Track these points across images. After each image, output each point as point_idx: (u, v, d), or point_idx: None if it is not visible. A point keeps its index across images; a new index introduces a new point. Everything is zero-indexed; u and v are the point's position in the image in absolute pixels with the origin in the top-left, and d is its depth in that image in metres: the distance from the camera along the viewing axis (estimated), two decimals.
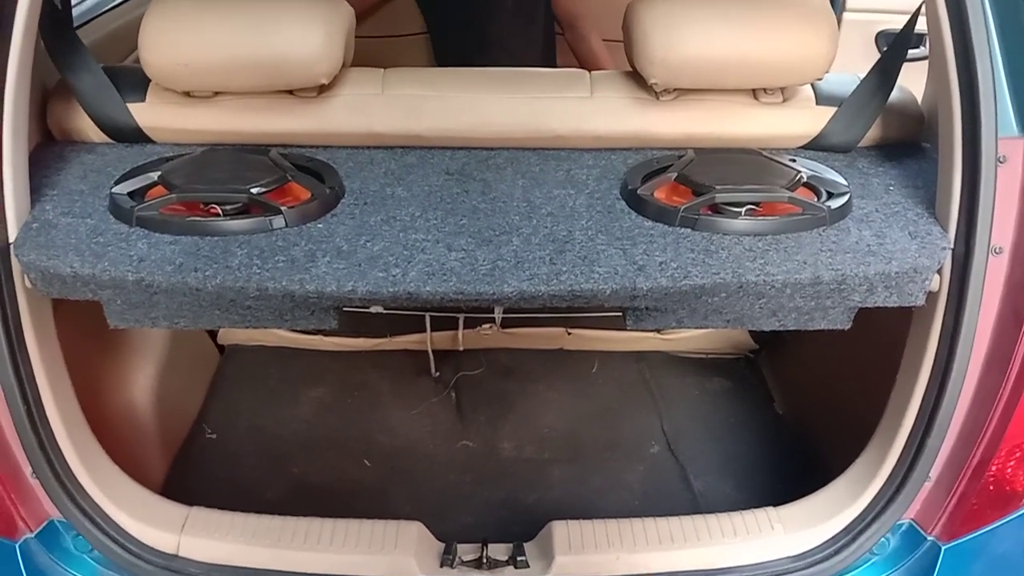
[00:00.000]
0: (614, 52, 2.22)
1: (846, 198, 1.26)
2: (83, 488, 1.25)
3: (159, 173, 1.26)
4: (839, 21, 2.49)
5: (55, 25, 1.31)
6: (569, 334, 2.06)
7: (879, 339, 1.36)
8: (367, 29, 2.31)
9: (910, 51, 1.46)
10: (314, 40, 1.29)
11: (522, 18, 2.18)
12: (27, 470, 1.21)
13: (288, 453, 1.83)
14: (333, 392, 2.00)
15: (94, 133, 1.39)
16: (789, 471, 1.75)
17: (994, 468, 1.21)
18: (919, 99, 1.46)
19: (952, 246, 1.18)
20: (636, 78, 1.40)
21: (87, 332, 1.46)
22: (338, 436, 1.89)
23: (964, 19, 1.10)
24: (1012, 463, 1.21)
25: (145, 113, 1.37)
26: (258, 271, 1.12)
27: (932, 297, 1.22)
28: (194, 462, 1.78)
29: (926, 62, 1.31)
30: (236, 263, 1.14)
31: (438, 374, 2.05)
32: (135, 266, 1.13)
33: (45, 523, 1.25)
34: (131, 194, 1.24)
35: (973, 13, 1.10)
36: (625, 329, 2.01)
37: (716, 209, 1.23)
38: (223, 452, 1.82)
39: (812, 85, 1.43)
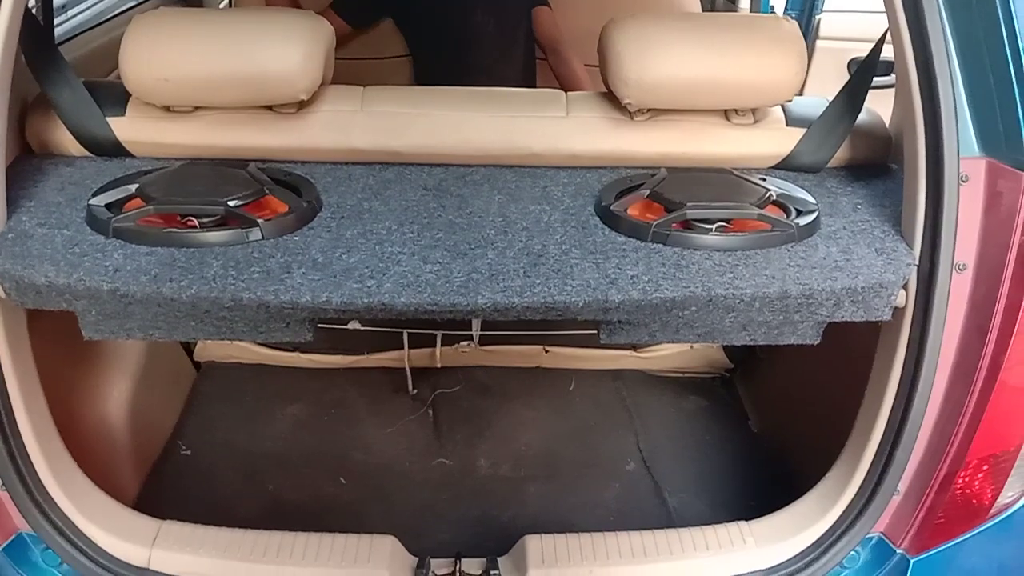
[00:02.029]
0: (595, 77, 2.26)
1: (814, 216, 1.29)
2: (53, 500, 1.24)
3: (137, 185, 1.27)
4: (812, 48, 2.55)
5: (36, 39, 1.32)
6: (547, 352, 2.08)
7: (849, 356, 1.39)
8: (349, 51, 2.34)
9: (881, 79, 1.50)
10: (294, 56, 1.30)
11: (504, 42, 2.20)
12: None
13: (263, 470, 1.82)
14: (309, 409, 2.00)
15: (73, 147, 1.39)
16: (763, 488, 1.76)
17: (960, 481, 1.23)
18: (887, 123, 1.50)
19: (917, 263, 1.21)
20: (611, 98, 1.43)
21: (61, 344, 1.46)
22: (314, 453, 1.89)
23: (927, 45, 1.14)
24: (979, 476, 1.23)
25: (125, 127, 1.38)
26: (233, 282, 1.13)
27: (898, 313, 1.24)
28: (168, 478, 1.76)
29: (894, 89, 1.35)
30: (211, 274, 1.14)
31: (415, 391, 2.05)
32: (110, 276, 1.13)
33: (13, 536, 1.24)
34: (108, 206, 1.24)
35: (935, 40, 1.14)
36: (601, 347, 2.06)
37: (687, 225, 1.26)
38: (197, 468, 1.81)
39: (782, 107, 1.46)
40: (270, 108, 1.38)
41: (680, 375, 2.16)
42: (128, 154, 1.40)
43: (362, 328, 1.92)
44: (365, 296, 1.12)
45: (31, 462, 1.22)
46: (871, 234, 1.27)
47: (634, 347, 2.09)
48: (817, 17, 2.54)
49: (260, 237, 1.21)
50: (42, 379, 1.28)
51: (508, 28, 2.18)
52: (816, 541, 1.29)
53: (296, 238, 1.22)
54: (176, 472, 1.79)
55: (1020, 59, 1.14)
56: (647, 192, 1.31)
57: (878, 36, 1.39)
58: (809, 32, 2.53)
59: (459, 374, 2.08)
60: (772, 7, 2.63)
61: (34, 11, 1.37)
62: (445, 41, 2.09)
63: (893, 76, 1.37)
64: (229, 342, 2.02)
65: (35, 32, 1.33)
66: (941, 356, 1.21)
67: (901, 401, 1.24)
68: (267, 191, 1.28)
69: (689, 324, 1.23)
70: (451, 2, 2.10)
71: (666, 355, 2.11)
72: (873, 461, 1.28)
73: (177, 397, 1.97)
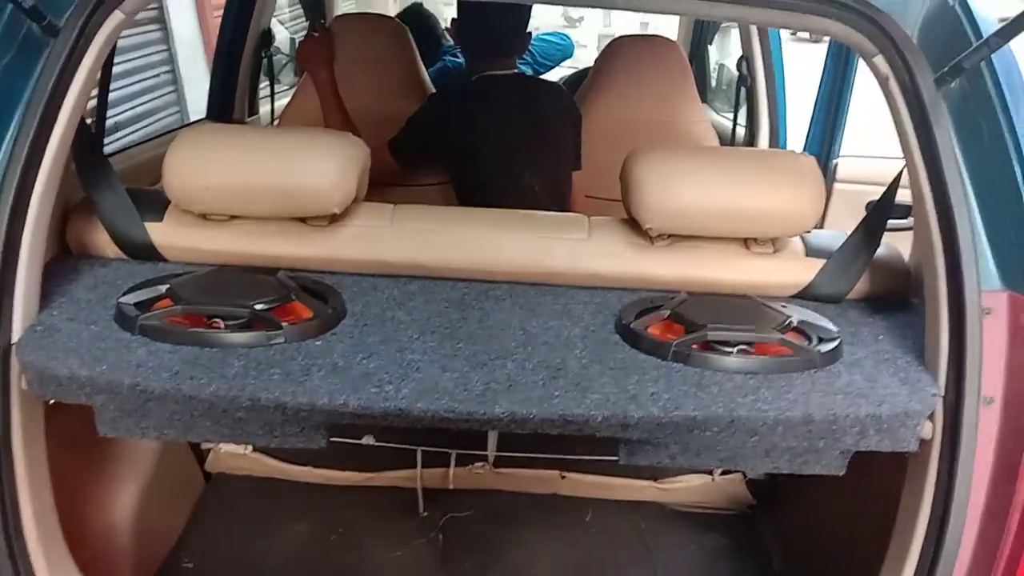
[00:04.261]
0: (607, 210, 2.26)
1: (837, 343, 1.28)
2: None
3: (167, 287, 1.30)
4: (830, 191, 2.61)
5: (85, 145, 1.39)
6: (563, 478, 2.02)
7: (875, 496, 1.34)
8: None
9: (899, 222, 1.53)
10: (330, 172, 1.36)
11: (547, 201, 2.25)
12: None
13: None
14: (316, 527, 1.94)
15: (110, 249, 1.44)
16: None
17: None
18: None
19: (943, 393, 1.19)
20: (632, 224, 1.46)
21: (75, 444, 1.45)
22: (318, 573, 1.82)
23: (943, 182, 1.17)
24: None
25: (161, 232, 1.42)
26: (253, 381, 1.13)
27: (925, 446, 1.21)
28: None
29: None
30: (232, 373, 1.15)
31: (426, 514, 2.00)
32: (132, 371, 1.14)
33: None
34: (137, 304, 1.27)
35: (951, 176, 1.17)
36: (620, 476, 2.01)
37: (708, 347, 1.26)
38: None
39: (802, 238, 1.49)
40: (303, 220, 1.43)
41: (701, 511, 2.08)
42: (162, 259, 1.44)
43: (375, 444, 1.90)
44: (383, 401, 1.12)
45: (31, 564, 1.19)
46: (895, 364, 1.26)
47: (654, 478, 2.04)
48: (835, 161, 2.61)
49: (283, 340, 1.22)
50: (52, 478, 1.27)
51: (551, 187, 2.28)
52: None
53: (318, 343, 1.24)
54: None
55: None
56: (668, 312, 1.32)
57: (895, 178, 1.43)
58: (827, 175, 2.60)
59: (472, 497, 2.03)
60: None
61: (87, 119, 1.45)
62: (491, 196, 2.17)
63: (911, 219, 1.41)
64: (241, 453, 2.00)
65: (86, 139, 1.40)
66: (972, 493, 1.16)
67: (931, 540, 1.19)
68: (293, 297, 1.30)
69: (711, 447, 1.20)
70: (501, 162, 2.21)
71: (687, 488, 2.05)
72: None
73: (184, 506, 1.94)
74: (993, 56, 1.19)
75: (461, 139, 2.20)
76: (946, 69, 1.20)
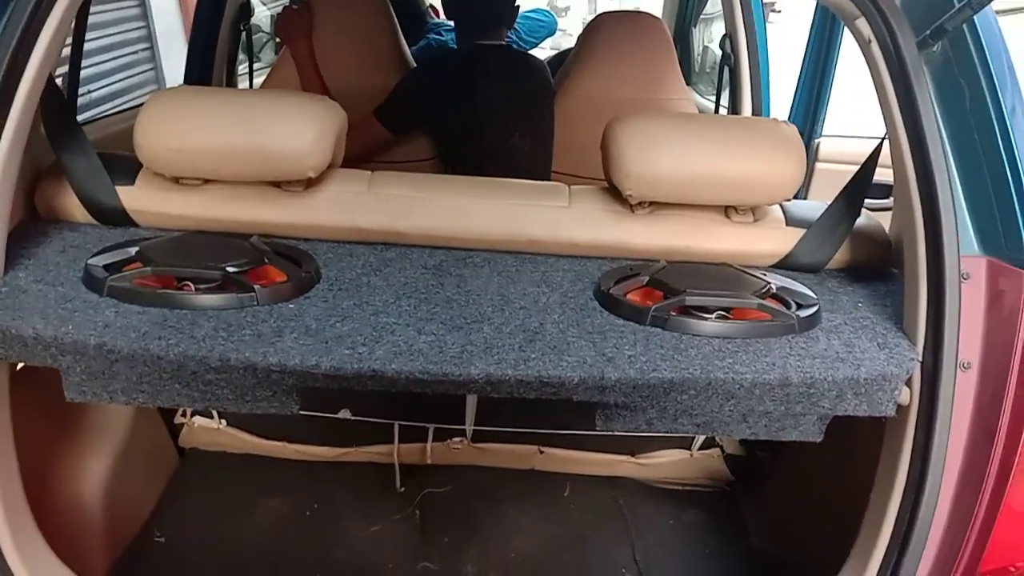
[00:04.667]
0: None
1: (815, 309, 1.28)
2: (13, 574, 1.17)
3: (137, 249, 1.27)
4: (812, 170, 2.62)
5: (57, 109, 1.36)
6: (541, 452, 2.01)
7: (854, 472, 1.34)
8: (389, 156, 2.38)
9: (879, 201, 1.52)
10: (306, 135, 1.33)
11: (536, 162, 2.25)
12: None
13: (239, 564, 1.73)
14: (292, 503, 1.92)
15: (80, 214, 1.40)
16: None
17: None
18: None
19: (920, 358, 1.19)
20: (613, 192, 1.45)
21: (43, 414, 1.42)
22: (293, 550, 1.80)
23: (924, 148, 1.17)
24: None
25: (132, 196, 1.39)
26: (222, 342, 1.11)
27: (903, 411, 1.21)
28: (138, 563, 1.67)
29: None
30: (201, 334, 1.12)
31: (403, 489, 1.98)
32: (99, 331, 1.11)
33: None
34: (107, 267, 1.24)
35: (932, 141, 1.17)
36: (599, 451, 2.00)
37: (686, 312, 1.25)
38: (171, 557, 1.72)
39: (782, 208, 1.48)
40: (278, 185, 1.40)
41: (680, 487, 2.08)
42: (134, 224, 1.41)
43: (352, 418, 1.88)
44: (355, 362, 1.10)
45: None
46: (873, 330, 1.26)
47: (632, 453, 2.03)
48: (816, 140, 2.61)
49: (255, 303, 1.20)
50: (17, 448, 1.24)
51: (542, 148, 2.29)
52: None
53: (291, 306, 1.22)
54: (147, 559, 1.70)
55: (1016, 160, 1.16)
56: (646, 279, 1.31)
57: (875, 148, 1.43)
58: (809, 154, 2.60)
59: (450, 473, 2.01)
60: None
61: (60, 84, 1.42)
62: (479, 157, 2.18)
63: (891, 199, 1.40)
64: (215, 428, 1.97)
65: (58, 103, 1.37)
66: (948, 459, 1.16)
67: (907, 508, 1.19)
68: (267, 260, 1.28)
69: (688, 411, 1.19)
70: (490, 122, 2.20)
71: (666, 463, 2.04)
72: (879, 573, 1.21)
73: (157, 482, 1.91)
74: (976, 20, 1.18)
75: (452, 101, 2.20)
76: (928, 32, 1.19)
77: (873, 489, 1.27)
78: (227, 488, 1.94)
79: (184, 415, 1.98)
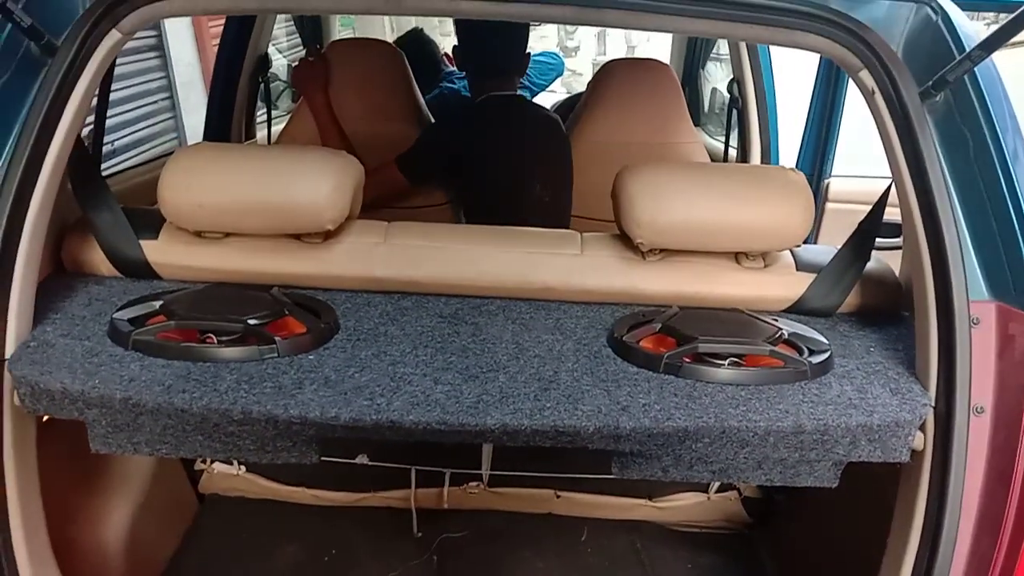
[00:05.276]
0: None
1: (827, 354, 1.29)
2: None
3: (161, 303, 1.30)
4: (822, 210, 2.64)
5: (81, 164, 1.41)
6: (558, 497, 2.01)
7: (870, 515, 1.34)
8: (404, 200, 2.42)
9: (889, 240, 1.53)
10: (323, 189, 1.37)
11: (556, 212, 2.28)
12: None
13: None
14: (310, 549, 1.93)
15: (105, 267, 1.44)
16: None
17: None
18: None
19: (933, 404, 1.19)
20: (624, 239, 1.47)
21: (68, 463, 1.44)
22: None
23: (930, 194, 1.19)
24: None
25: (156, 250, 1.43)
26: (244, 395, 1.13)
27: (918, 456, 1.21)
28: None
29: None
30: (224, 387, 1.15)
31: (420, 534, 1.98)
32: (124, 385, 1.14)
33: None
34: (131, 320, 1.28)
35: (938, 189, 1.19)
36: (616, 494, 2.00)
37: (699, 359, 1.26)
38: None
39: (792, 253, 1.50)
40: (297, 237, 1.44)
41: (697, 530, 2.07)
42: (157, 276, 1.45)
43: (369, 464, 1.89)
44: (374, 413, 1.12)
45: None
46: (885, 375, 1.27)
47: (649, 496, 2.03)
48: (826, 181, 2.64)
49: (276, 355, 1.23)
50: (43, 496, 1.26)
51: (562, 198, 2.33)
52: None
53: (311, 357, 1.24)
54: None
55: (1020, 205, 1.18)
56: (659, 326, 1.32)
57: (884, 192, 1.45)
58: (819, 195, 2.63)
59: (467, 517, 2.01)
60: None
61: (85, 140, 1.47)
62: (500, 209, 2.21)
63: (901, 239, 1.43)
64: (234, 474, 1.99)
65: (84, 160, 1.42)
66: (964, 504, 1.16)
67: (925, 551, 1.18)
68: (287, 312, 1.31)
69: (703, 459, 1.20)
70: (512, 176, 2.25)
71: (682, 506, 2.04)
72: None
73: (177, 528, 1.92)
74: (976, 69, 1.21)
75: (472, 154, 2.25)
76: (931, 83, 1.22)
77: (890, 534, 1.27)
78: (246, 534, 1.95)
79: (204, 462, 2.00)
